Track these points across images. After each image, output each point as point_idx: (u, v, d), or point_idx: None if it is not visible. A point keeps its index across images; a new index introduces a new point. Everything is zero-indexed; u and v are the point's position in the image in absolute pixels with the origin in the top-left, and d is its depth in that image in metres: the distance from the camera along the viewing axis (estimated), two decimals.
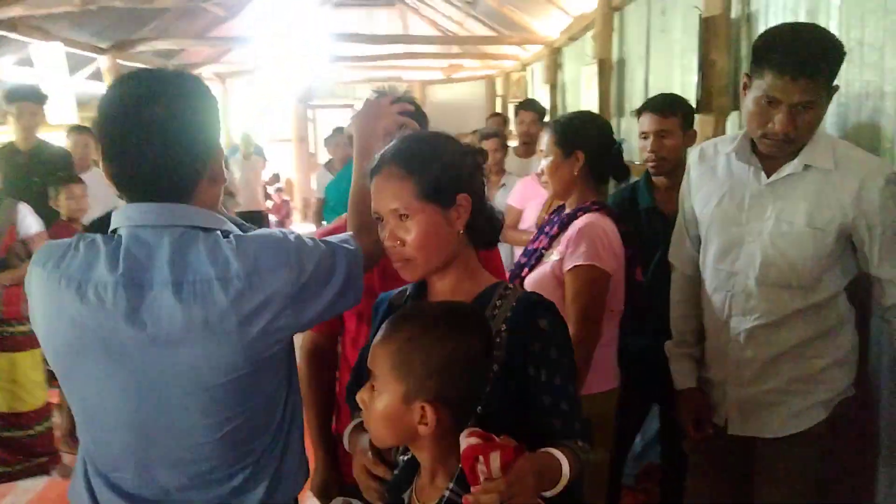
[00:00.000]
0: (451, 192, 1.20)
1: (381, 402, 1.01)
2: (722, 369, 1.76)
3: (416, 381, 0.98)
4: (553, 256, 1.97)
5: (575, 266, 1.87)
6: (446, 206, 1.20)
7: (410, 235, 1.19)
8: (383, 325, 1.06)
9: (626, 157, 2.17)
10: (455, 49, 10.49)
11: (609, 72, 4.81)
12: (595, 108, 4.93)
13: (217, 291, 1.06)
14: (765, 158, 1.65)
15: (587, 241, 1.87)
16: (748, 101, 1.61)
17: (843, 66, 1.57)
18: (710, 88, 3.01)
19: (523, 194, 3.72)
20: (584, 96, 5.33)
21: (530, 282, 2.01)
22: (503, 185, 4.10)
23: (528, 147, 4.41)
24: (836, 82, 1.56)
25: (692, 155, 1.88)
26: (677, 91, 3.74)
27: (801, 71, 1.47)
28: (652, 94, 4.26)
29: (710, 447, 1.81)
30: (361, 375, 1.21)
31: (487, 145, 3.91)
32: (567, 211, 2.03)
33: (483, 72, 10.87)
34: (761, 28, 2.90)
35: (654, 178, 2.47)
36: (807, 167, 1.59)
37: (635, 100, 4.46)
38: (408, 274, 1.24)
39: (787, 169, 1.61)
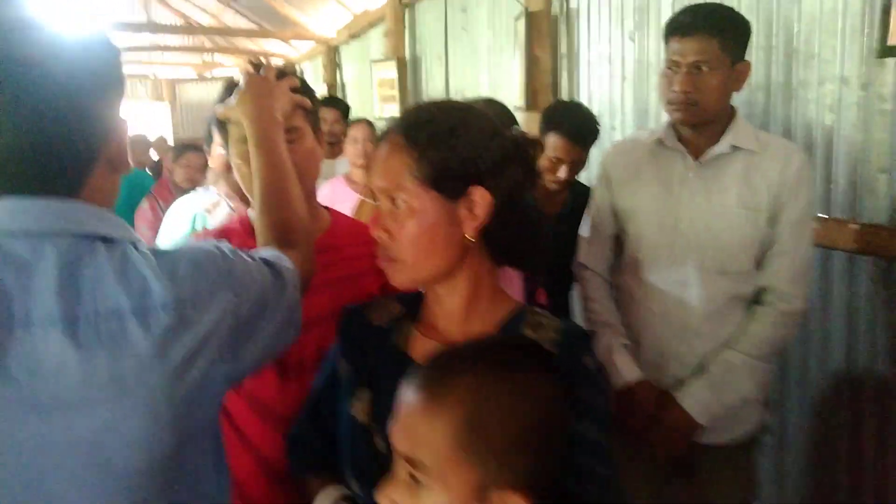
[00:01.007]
0: (461, 181, 0.91)
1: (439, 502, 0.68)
2: (655, 369, 1.65)
3: (495, 460, 0.66)
4: None
5: None
6: (452, 198, 0.91)
7: (400, 227, 0.91)
8: (414, 381, 0.72)
9: None
10: (208, 44, 9.64)
11: (404, 70, 4.67)
12: (394, 110, 4.77)
13: (133, 330, 0.74)
14: (690, 143, 1.61)
15: None
16: (660, 81, 1.62)
17: None
18: (535, 85, 2.98)
19: (331, 198, 3.40)
20: (374, 96, 5.13)
21: None
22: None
23: (334, 147, 4.06)
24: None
25: (607, 154, 1.83)
26: (485, 93, 3.71)
27: (691, 27, 1.53)
28: (454, 93, 4.23)
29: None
30: (320, 420, 1.01)
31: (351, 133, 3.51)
32: None
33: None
34: (583, 24, 2.95)
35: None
36: (734, 148, 1.59)
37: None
38: (393, 277, 0.96)
39: (716, 149, 1.59)
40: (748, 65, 1.58)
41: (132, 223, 4.00)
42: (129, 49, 8.20)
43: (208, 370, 0.78)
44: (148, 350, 0.74)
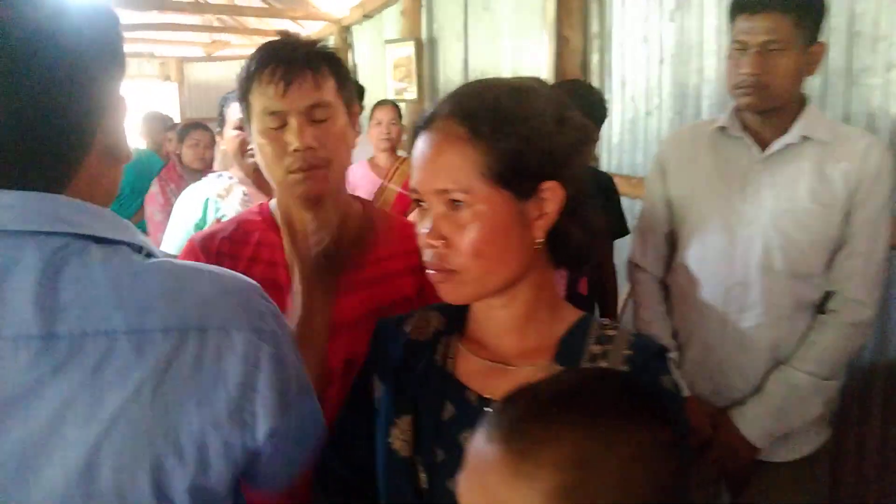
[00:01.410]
0: (535, 176, 0.78)
1: None
2: (710, 381, 1.52)
3: None
4: None
5: None
6: (524, 196, 0.78)
7: (462, 234, 0.78)
8: (492, 430, 0.56)
9: None
10: (217, 23, 9.44)
11: (422, 52, 4.51)
12: (413, 93, 4.61)
13: (124, 356, 0.60)
14: (756, 132, 1.46)
15: None
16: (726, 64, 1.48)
17: None
18: (565, 67, 2.82)
19: (351, 183, 3.26)
20: (387, 78, 4.97)
21: None
22: None
23: None
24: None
25: (663, 143, 1.72)
26: (507, 75, 3.55)
27: (762, 3, 1.39)
28: (473, 76, 4.06)
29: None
30: (350, 449, 0.92)
31: None
32: None
33: (251, 50, 9.94)
34: (616, 3, 2.78)
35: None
36: (805, 139, 1.44)
37: (452, 84, 4.22)
38: (450, 292, 0.82)
39: (785, 139, 1.44)
40: (823, 46, 1.43)
41: (138, 209, 3.84)
42: (137, 27, 8.03)
43: (212, 430, 0.63)
44: (138, 382, 0.60)
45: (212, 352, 0.63)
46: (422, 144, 0.81)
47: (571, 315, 0.88)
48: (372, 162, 3.12)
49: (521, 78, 0.87)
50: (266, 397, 0.67)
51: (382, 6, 5.25)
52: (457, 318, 0.91)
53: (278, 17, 7.36)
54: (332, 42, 6.46)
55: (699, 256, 1.54)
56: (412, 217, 1.77)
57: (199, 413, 0.63)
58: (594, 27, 2.88)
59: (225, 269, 0.73)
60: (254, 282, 0.74)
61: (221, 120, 2.25)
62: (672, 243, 1.62)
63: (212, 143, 3.64)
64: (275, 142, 1.12)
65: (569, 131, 0.81)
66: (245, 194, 2.22)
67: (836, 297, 1.44)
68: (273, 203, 1.28)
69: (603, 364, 0.79)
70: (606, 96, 2.60)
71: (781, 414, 1.44)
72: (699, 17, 2.36)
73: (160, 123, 4.77)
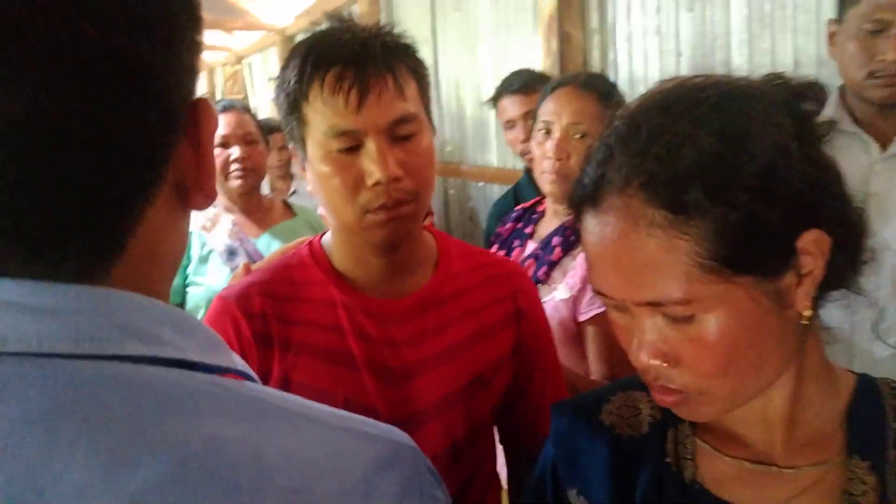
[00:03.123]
0: (786, 237, 0.54)
1: None
2: None
3: None
4: (559, 293, 1.31)
5: (600, 313, 1.26)
6: (776, 273, 0.54)
7: (699, 352, 0.54)
8: None
9: None
10: None
11: None
12: None
13: None
14: (873, 128, 1.25)
15: None
16: (842, 47, 1.25)
17: None
18: (568, 67, 2.60)
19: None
20: None
21: None
22: (294, 192, 3.25)
23: None
24: None
25: None
26: (488, 80, 3.32)
27: None
28: (445, 84, 3.81)
29: None
30: None
31: (274, 142, 3.02)
32: (569, 221, 1.37)
33: None
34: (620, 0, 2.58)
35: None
36: None
37: None
38: (692, 414, 0.60)
39: None
40: None
41: None
42: None
43: None
44: None
45: None
46: (595, 233, 0.56)
47: (846, 380, 0.64)
48: None
49: (722, 79, 0.60)
50: None
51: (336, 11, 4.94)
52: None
53: (213, 28, 6.91)
54: (275, 55, 6.09)
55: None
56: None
57: None
58: (594, 22, 2.67)
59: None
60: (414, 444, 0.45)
61: None
62: None
63: None
64: (345, 171, 0.83)
65: (812, 142, 0.57)
66: (234, 224, 1.89)
67: None
68: (327, 239, 0.98)
69: None
70: None
71: None
72: (724, 5, 2.17)
73: None
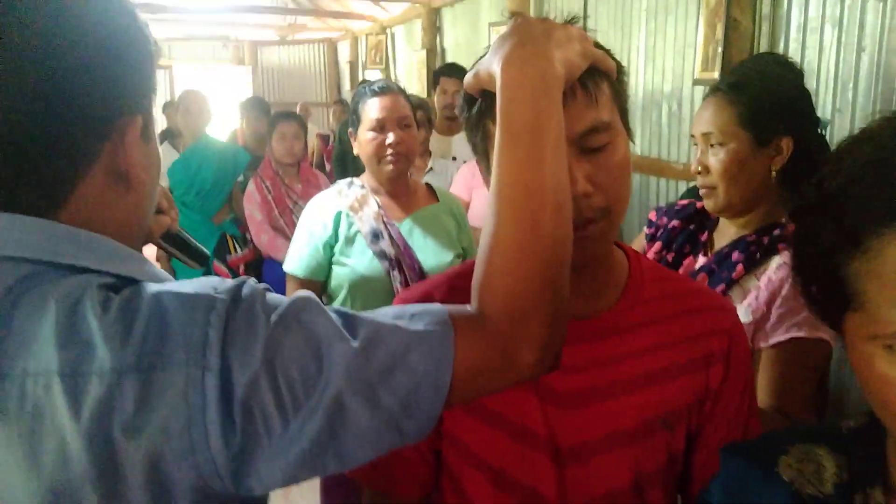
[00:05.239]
0: None
1: None
2: None
3: None
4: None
5: (793, 339, 1.16)
6: None
7: None
8: None
9: None
10: (292, 5, 9.24)
11: None
12: None
13: (58, 399, 0.53)
14: None
15: None
16: None
17: None
18: (734, 54, 2.44)
19: (468, 181, 2.95)
20: None
21: None
22: (430, 168, 3.28)
23: (453, 123, 3.59)
24: None
25: None
26: (641, 61, 3.17)
27: None
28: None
29: None
30: None
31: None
32: (751, 236, 1.26)
33: (323, 34, 9.71)
34: None
35: None
36: None
37: None
38: None
39: None
40: None
41: (219, 208, 3.54)
42: (210, 9, 7.90)
43: (167, 466, 0.53)
44: (72, 428, 0.53)
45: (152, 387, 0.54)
46: None
47: None
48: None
49: None
50: (252, 426, 0.57)
51: None
52: (870, 460, 0.59)
53: None
54: (419, 26, 6.15)
55: None
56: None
57: (150, 450, 0.55)
58: (765, 9, 2.48)
59: (187, 288, 0.58)
60: (224, 286, 0.58)
61: (355, 119, 1.96)
62: None
63: (300, 135, 3.36)
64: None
65: None
66: (380, 206, 1.93)
67: None
68: None
69: None
70: None
71: None
72: None
73: (258, 110, 4.15)
